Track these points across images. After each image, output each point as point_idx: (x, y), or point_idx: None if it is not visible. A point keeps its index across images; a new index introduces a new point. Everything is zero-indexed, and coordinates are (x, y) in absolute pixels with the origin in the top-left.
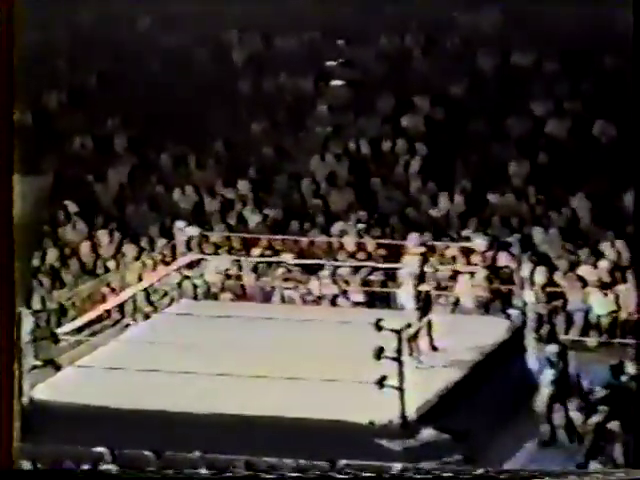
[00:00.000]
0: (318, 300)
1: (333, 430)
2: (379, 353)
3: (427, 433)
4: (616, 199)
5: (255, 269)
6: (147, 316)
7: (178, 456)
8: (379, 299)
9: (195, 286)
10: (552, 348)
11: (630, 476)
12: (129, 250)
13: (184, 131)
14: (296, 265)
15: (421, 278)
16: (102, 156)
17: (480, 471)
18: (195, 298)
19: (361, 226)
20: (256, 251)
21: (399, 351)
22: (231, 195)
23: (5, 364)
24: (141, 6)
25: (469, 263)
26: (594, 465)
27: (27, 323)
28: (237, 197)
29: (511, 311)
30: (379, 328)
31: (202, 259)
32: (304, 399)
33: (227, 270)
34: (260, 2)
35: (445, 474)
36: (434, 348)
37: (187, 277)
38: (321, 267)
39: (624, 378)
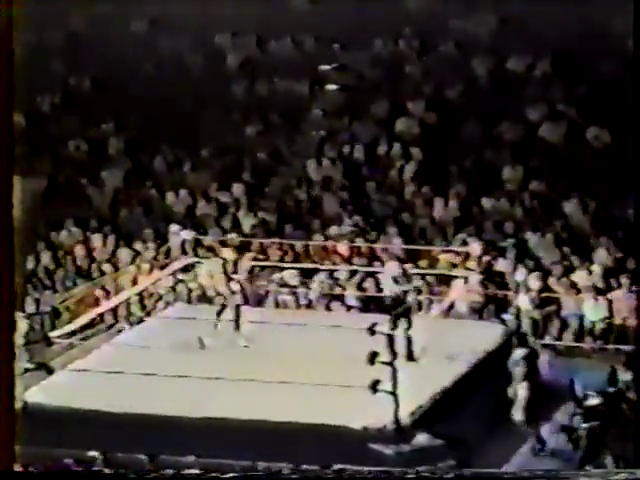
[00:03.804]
0: (312, 304)
1: (327, 434)
2: (373, 358)
3: (421, 438)
4: (610, 204)
5: (250, 273)
6: (141, 320)
7: (172, 460)
8: (373, 304)
9: (189, 290)
10: (520, 352)
11: (630, 476)
12: (123, 254)
13: (178, 135)
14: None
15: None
16: (96, 159)
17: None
18: (189, 302)
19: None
20: (250, 255)
21: (393, 356)
22: (225, 199)
23: (5, 367)
24: (135, 10)
25: (464, 268)
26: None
27: (21, 326)
28: (232, 201)
29: (505, 316)
30: (373, 332)
31: (197, 263)
32: (298, 403)
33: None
34: (255, 6)
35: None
36: (411, 358)
37: (181, 281)
38: (316, 271)
39: (619, 384)
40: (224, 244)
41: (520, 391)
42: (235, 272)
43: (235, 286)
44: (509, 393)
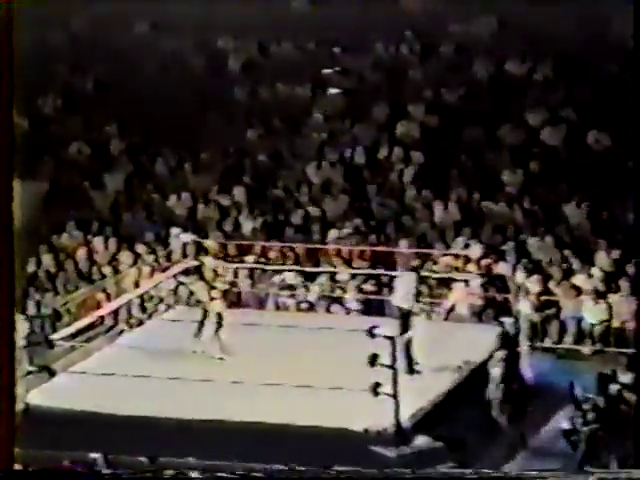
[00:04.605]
0: (313, 307)
1: (327, 437)
2: (373, 360)
3: (421, 441)
4: (610, 208)
5: (251, 276)
6: (141, 322)
7: (172, 461)
8: (374, 306)
9: (190, 292)
10: (499, 354)
11: (631, 476)
12: (125, 256)
13: (180, 138)
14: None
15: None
16: (98, 162)
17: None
18: (190, 304)
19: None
20: (250, 258)
21: (393, 358)
22: (226, 202)
23: (5, 368)
24: (138, 12)
25: (464, 271)
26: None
27: (22, 328)
28: (232, 204)
29: (505, 319)
30: (373, 335)
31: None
32: (298, 406)
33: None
34: (257, 10)
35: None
36: (412, 371)
37: (182, 283)
38: (317, 274)
39: (616, 387)
40: (204, 249)
41: (496, 393)
42: (215, 279)
43: (215, 293)
44: (487, 395)
